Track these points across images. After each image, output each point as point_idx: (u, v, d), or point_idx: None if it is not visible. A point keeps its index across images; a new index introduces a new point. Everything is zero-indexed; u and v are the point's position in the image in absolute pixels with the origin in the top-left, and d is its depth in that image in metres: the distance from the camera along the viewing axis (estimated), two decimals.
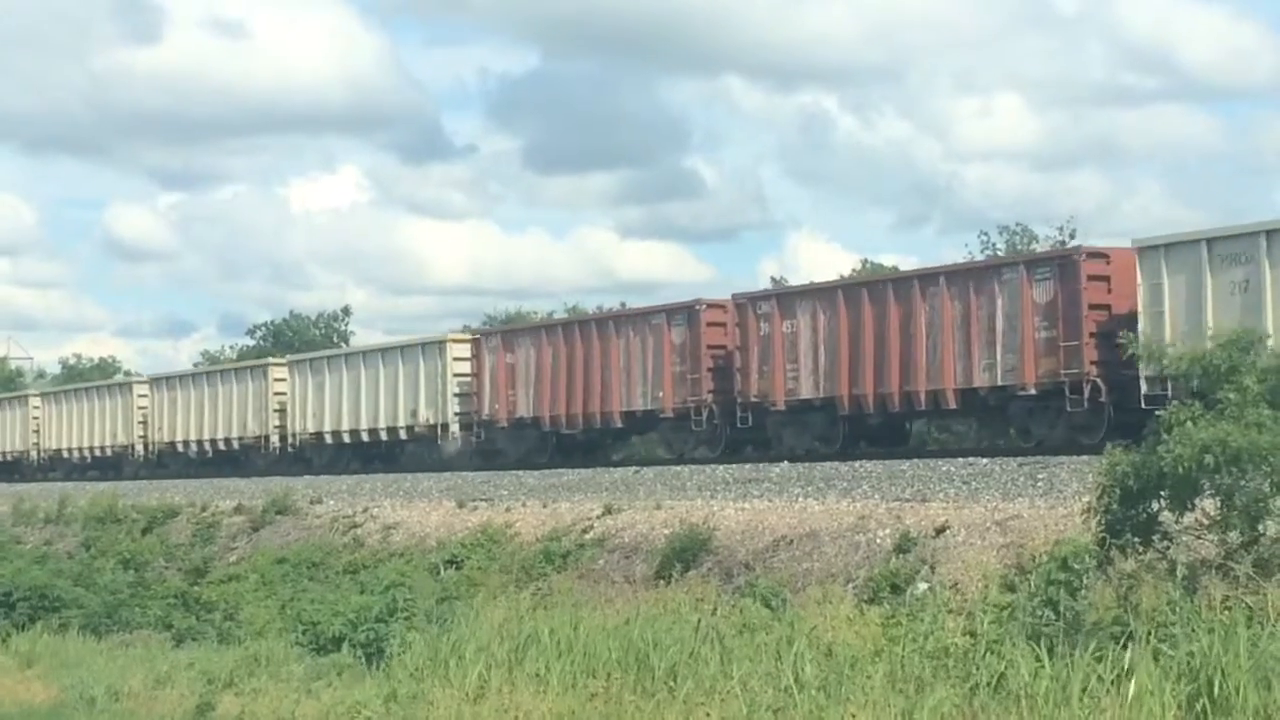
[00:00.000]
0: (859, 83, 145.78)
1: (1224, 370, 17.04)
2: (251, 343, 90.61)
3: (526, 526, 30.57)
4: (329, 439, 51.44)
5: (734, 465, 33.79)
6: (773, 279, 69.33)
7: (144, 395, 62.00)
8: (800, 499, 27.62)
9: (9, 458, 69.25)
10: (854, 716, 16.17)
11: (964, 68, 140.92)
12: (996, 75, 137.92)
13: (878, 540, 23.64)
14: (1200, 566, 17.17)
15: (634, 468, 36.41)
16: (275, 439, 54.08)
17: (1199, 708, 14.78)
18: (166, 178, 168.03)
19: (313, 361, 54.29)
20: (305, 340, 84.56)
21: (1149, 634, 15.90)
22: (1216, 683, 14.79)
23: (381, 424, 48.98)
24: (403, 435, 48.49)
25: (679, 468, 35.00)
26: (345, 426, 50.66)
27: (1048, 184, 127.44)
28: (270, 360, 58.89)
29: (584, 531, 28.98)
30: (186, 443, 58.67)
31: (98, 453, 64.00)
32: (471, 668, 20.40)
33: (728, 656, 19.09)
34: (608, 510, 29.69)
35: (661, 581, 25.17)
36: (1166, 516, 17.22)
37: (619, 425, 41.43)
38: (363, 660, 22.95)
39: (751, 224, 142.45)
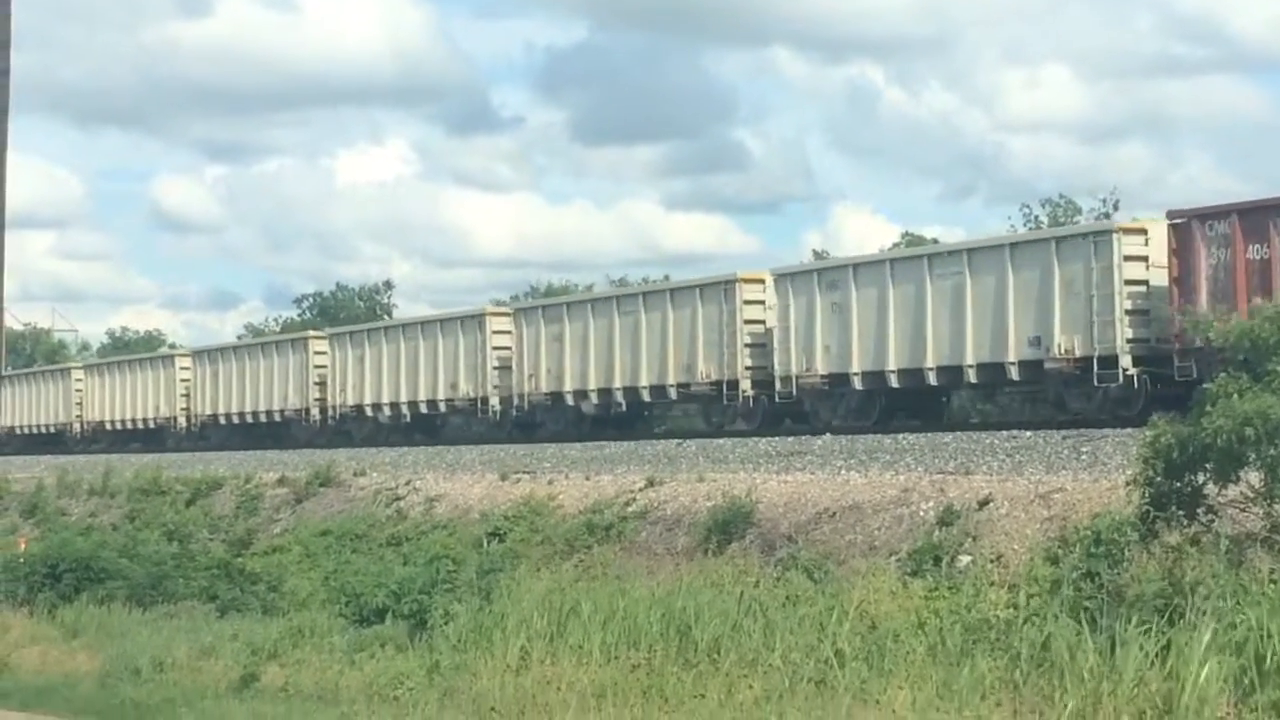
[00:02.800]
0: (906, 54, 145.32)
1: (1273, 343, 16.91)
2: (296, 315, 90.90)
3: (569, 499, 30.58)
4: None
5: (776, 438, 33.72)
6: (814, 252, 69.19)
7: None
8: (843, 471, 27.56)
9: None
10: (898, 689, 16.16)
11: (1012, 39, 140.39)
12: (1045, 47, 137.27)
13: (921, 513, 23.58)
14: (1245, 539, 17.08)
15: (676, 440, 36.37)
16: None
17: (1247, 682, 14.71)
18: (213, 150, 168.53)
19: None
20: (350, 313, 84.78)
21: (1194, 607, 15.82)
22: (1268, 657, 14.70)
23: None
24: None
25: (721, 440, 34.96)
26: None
27: (1095, 156, 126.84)
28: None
29: (626, 504, 28.96)
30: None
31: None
32: (514, 639, 20.45)
33: (770, 629, 19.09)
34: (650, 483, 29.67)
35: (704, 554, 25.14)
36: (1210, 489, 17.13)
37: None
38: (406, 632, 23.00)
39: (797, 196, 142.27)
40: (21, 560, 34.25)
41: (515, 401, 45.34)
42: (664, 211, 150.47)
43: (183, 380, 62.00)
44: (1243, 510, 17.29)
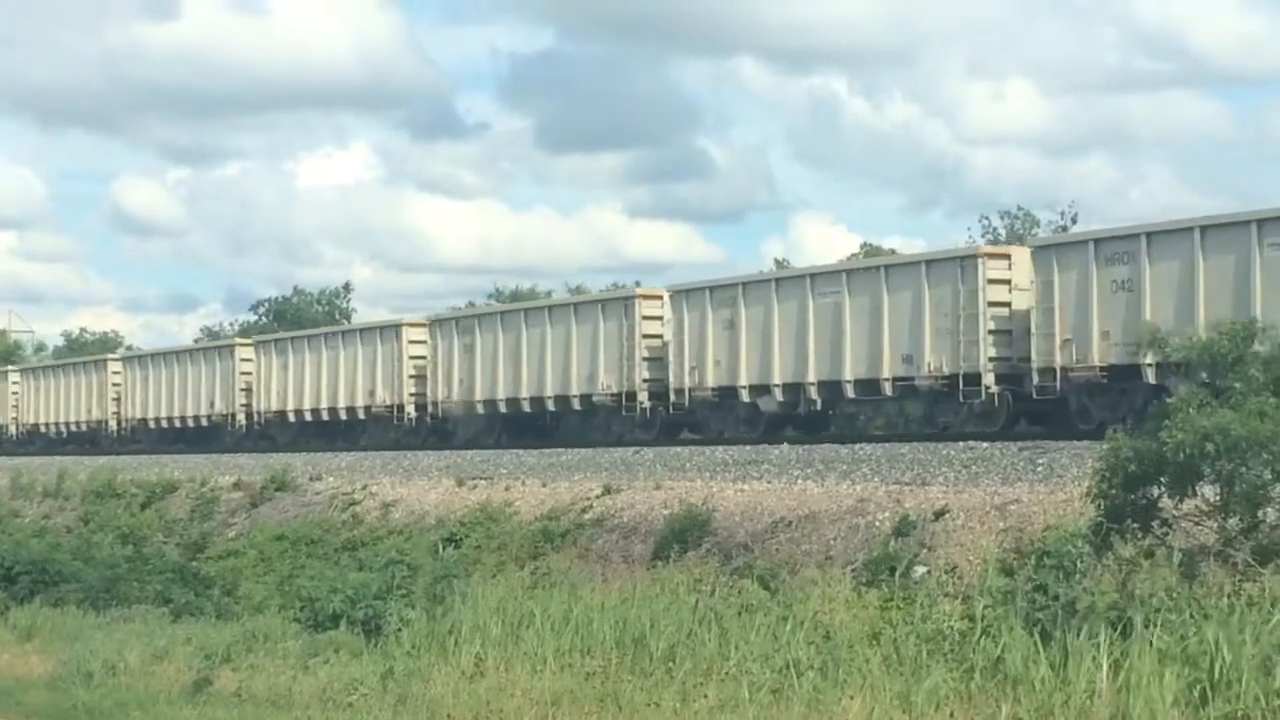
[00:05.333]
0: (871, 66, 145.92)
1: (1230, 360, 17.01)
2: (254, 319, 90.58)
3: (526, 505, 30.54)
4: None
5: (734, 447, 33.82)
6: (775, 261, 69.36)
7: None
8: (800, 481, 27.59)
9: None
10: (851, 699, 16.17)
11: (976, 53, 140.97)
12: (1009, 61, 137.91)
13: (876, 523, 23.61)
14: (1199, 553, 17.15)
15: (634, 448, 36.42)
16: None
17: (1197, 693, 14.77)
18: (176, 153, 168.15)
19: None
20: (308, 317, 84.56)
21: (1147, 619, 15.88)
22: (1217, 668, 14.77)
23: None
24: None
25: (678, 449, 35.03)
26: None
27: (1057, 169, 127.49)
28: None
29: (583, 511, 28.94)
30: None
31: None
32: (469, 646, 20.40)
33: (726, 638, 19.08)
34: (607, 490, 29.66)
35: (660, 562, 25.13)
36: (1166, 502, 17.20)
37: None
38: (360, 637, 22.93)
39: (759, 205, 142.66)
40: None
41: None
42: (627, 219, 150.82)
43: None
44: (1197, 524, 17.36)
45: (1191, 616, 15.77)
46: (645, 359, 40.58)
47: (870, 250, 64.17)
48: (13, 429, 68.55)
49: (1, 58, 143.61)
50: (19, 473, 52.44)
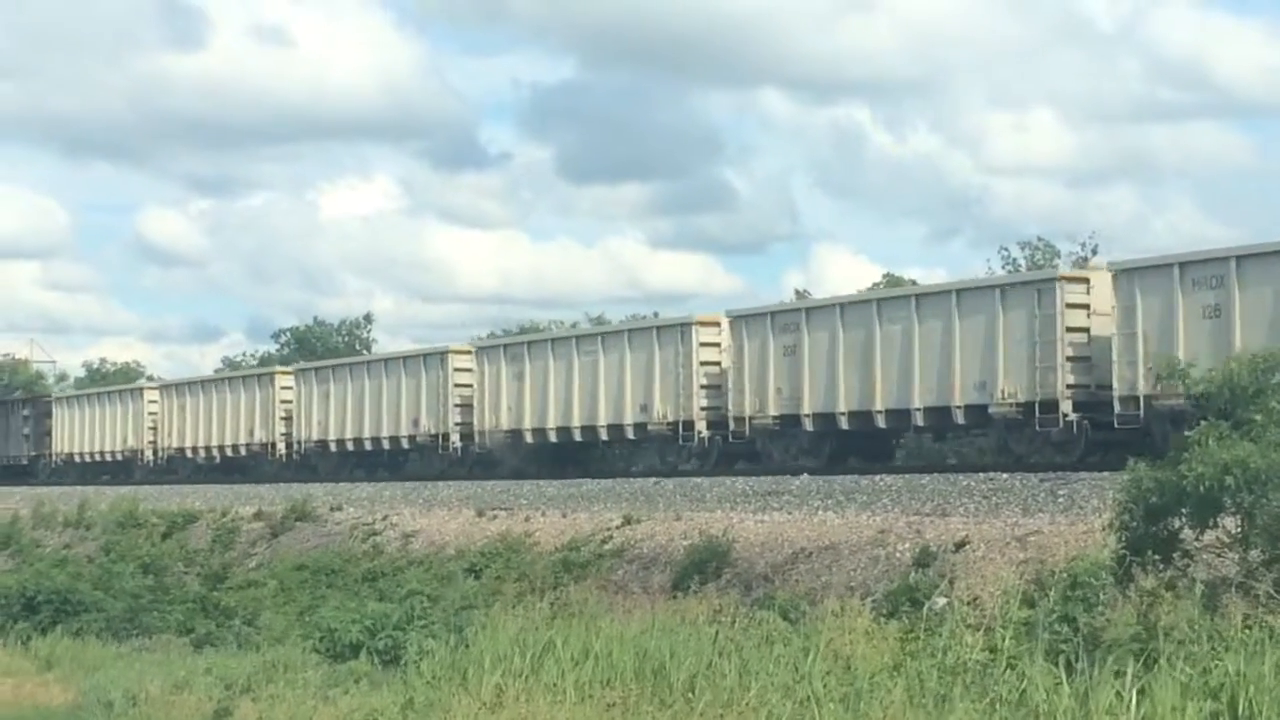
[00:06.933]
0: (893, 97, 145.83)
1: (1250, 392, 16.99)
2: (275, 349, 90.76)
3: (546, 536, 30.55)
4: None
5: (753, 478, 33.75)
6: (796, 292, 69.26)
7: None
8: (820, 512, 27.57)
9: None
10: None
11: (999, 83, 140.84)
12: (1032, 91, 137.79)
13: (897, 554, 23.58)
14: (1221, 584, 17.11)
15: (654, 479, 36.37)
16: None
17: None
18: (200, 183, 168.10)
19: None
20: (328, 347, 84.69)
21: (1170, 651, 15.84)
22: (1240, 701, 14.72)
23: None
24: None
25: (699, 480, 34.96)
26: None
27: (1079, 200, 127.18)
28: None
29: (603, 542, 28.95)
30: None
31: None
32: (489, 676, 20.37)
33: (746, 669, 19.04)
34: (627, 520, 29.66)
35: (680, 593, 25.12)
36: (1187, 534, 17.17)
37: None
38: (380, 668, 22.94)
39: (781, 236, 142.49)
40: None
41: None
42: (648, 250, 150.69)
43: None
44: (1218, 555, 17.33)
45: (1213, 649, 15.72)
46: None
47: (892, 281, 64.05)
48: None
49: (27, 89, 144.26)
50: (40, 502, 52.55)
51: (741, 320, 38.74)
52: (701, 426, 39.13)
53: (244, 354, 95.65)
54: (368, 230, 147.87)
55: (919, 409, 34.29)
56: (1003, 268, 58.19)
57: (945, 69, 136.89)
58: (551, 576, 27.97)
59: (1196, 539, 17.19)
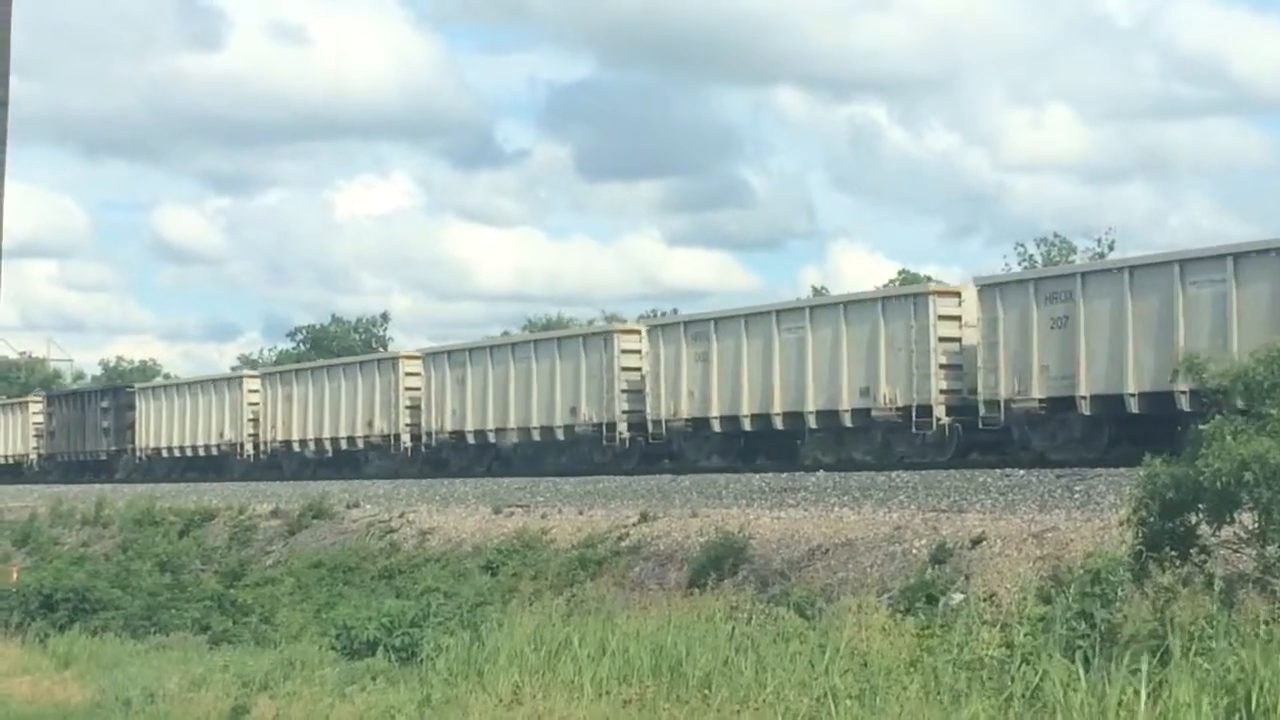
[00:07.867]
0: (910, 94, 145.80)
1: (1267, 386, 16.95)
2: (291, 346, 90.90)
3: (562, 533, 30.57)
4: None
5: (769, 474, 33.83)
6: (813, 288, 69.35)
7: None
8: (836, 508, 27.56)
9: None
10: None
11: (1016, 80, 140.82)
12: (1048, 87, 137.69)
13: (913, 550, 23.57)
14: (1238, 580, 17.08)
15: (670, 475, 36.46)
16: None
17: None
18: (217, 181, 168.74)
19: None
20: (344, 345, 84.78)
21: (1186, 647, 15.82)
22: (1255, 697, 14.71)
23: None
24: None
25: (715, 476, 35.02)
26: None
27: (1096, 196, 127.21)
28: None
29: (620, 539, 28.96)
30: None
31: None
32: (505, 673, 20.42)
33: (762, 665, 19.06)
34: (643, 517, 29.67)
35: (696, 589, 25.12)
36: (1204, 529, 17.15)
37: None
38: (397, 665, 22.96)
39: (798, 233, 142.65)
40: (14, 590, 34.20)
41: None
42: (665, 247, 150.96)
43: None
44: (1235, 551, 17.29)
45: (1230, 644, 15.70)
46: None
47: (907, 278, 64.10)
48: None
49: (46, 88, 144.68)
50: (58, 500, 52.69)
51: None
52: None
53: (262, 351, 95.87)
54: (385, 228, 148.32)
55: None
56: (1019, 264, 58.21)
57: (962, 66, 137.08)
58: (568, 573, 28.01)
59: (1213, 535, 17.16)
